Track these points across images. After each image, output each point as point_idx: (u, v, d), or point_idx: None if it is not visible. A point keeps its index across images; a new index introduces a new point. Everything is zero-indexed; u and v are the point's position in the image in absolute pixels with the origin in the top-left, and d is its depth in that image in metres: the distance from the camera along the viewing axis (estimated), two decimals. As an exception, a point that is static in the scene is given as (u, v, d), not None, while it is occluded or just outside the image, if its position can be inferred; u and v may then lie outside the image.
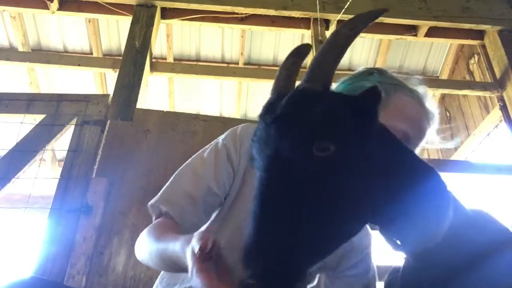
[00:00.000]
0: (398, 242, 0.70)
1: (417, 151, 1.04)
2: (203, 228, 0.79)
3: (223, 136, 1.03)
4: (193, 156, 1.01)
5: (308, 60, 0.76)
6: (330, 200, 0.58)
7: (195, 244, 0.63)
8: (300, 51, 0.75)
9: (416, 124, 1.00)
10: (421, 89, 1.05)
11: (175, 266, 0.76)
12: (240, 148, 0.99)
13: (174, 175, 0.98)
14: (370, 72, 1.04)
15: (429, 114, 1.04)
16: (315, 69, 0.64)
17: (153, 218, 0.97)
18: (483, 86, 2.81)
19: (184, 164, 1.00)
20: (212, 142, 1.03)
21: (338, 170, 0.58)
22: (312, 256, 0.59)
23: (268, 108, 0.65)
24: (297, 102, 0.62)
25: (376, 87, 0.62)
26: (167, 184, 0.97)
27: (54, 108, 2.21)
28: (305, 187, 0.57)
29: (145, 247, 0.89)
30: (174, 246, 0.77)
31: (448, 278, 0.66)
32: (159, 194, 0.96)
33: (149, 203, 0.97)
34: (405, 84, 1.03)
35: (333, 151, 0.57)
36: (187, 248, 0.67)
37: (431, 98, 1.06)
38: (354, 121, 0.61)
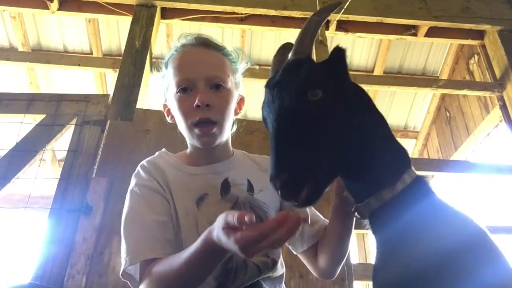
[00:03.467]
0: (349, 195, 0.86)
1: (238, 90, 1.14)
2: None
3: (133, 180, 1.05)
4: (123, 216, 1.00)
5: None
6: (324, 130, 0.77)
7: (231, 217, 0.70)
8: (287, 46, 0.98)
9: (190, 62, 1.06)
10: (189, 38, 1.11)
11: (207, 258, 0.79)
12: (153, 175, 1.04)
13: (123, 238, 0.96)
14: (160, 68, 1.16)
15: (209, 44, 1.13)
16: (298, 45, 0.87)
17: (138, 281, 0.93)
18: (483, 86, 2.81)
19: (122, 226, 0.98)
20: (128, 192, 1.04)
21: (327, 109, 0.79)
22: (321, 173, 0.75)
23: (269, 80, 0.86)
24: (289, 68, 0.83)
25: (337, 48, 0.82)
26: (122, 250, 0.95)
27: (54, 108, 2.21)
28: (306, 123, 0.77)
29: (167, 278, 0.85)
30: (196, 243, 0.79)
31: (415, 275, 0.71)
32: (122, 262, 0.93)
33: (120, 275, 0.94)
34: (176, 47, 1.10)
35: (321, 96, 0.78)
36: (220, 220, 0.73)
37: (207, 37, 1.17)
38: (330, 75, 0.82)
